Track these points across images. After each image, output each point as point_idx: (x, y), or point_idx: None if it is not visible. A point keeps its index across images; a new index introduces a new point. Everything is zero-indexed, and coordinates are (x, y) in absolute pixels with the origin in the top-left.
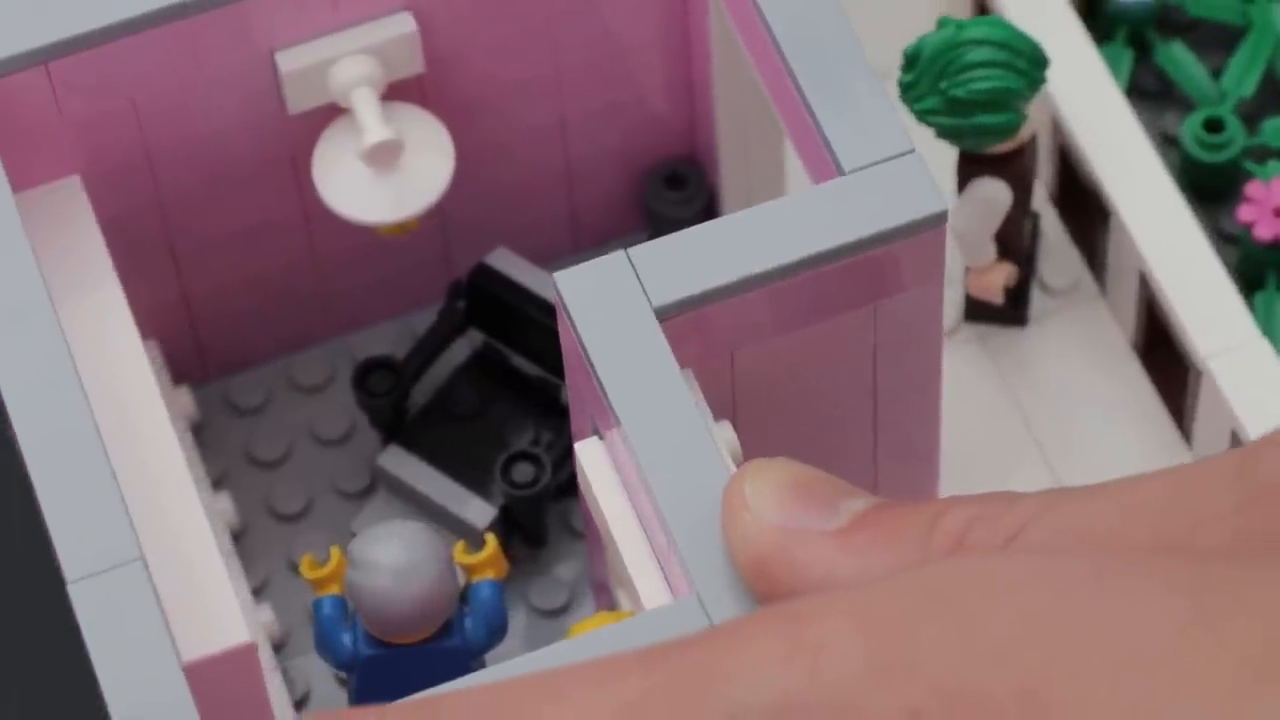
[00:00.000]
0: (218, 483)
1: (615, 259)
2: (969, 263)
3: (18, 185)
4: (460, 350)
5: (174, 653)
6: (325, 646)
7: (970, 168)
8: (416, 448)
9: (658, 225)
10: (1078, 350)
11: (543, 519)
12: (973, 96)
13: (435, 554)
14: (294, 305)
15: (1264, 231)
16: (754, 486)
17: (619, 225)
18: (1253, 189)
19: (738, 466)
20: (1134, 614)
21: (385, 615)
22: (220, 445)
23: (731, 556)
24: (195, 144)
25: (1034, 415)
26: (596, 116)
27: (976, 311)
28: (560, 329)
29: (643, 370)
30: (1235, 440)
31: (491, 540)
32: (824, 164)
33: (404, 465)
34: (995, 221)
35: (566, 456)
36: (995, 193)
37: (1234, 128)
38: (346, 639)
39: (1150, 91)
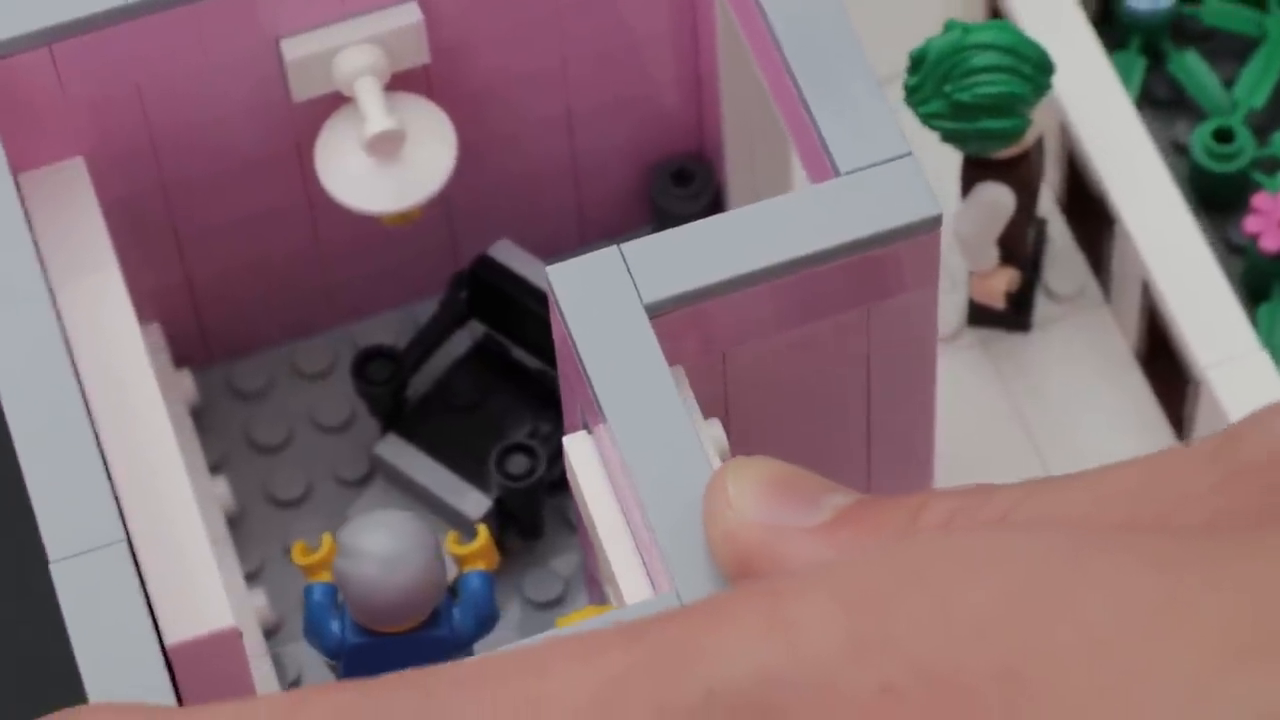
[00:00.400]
0: (217, 467)
1: (608, 254)
2: (971, 267)
3: (21, 165)
4: (461, 341)
5: (154, 635)
6: (314, 633)
7: (974, 172)
8: (415, 437)
9: (664, 221)
10: (1080, 357)
11: (538, 511)
12: (977, 101)
13: (423, 543)
14: (298, 293)
15: (1269, 243)
16: (736, 483)
17: (626, 220)
18: (1260, 200)
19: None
20: (1112, 591)
21: (372, 603)
22: (221, 429)
23: (712, 553)
24: (200, 130)
25: (1034, 421)
26: (604, 110)
27: (980, 316)
28: (552, 322)
29: (631, 366)
30: None
31: (483, 531)
32: (821, 164)
33: (401, 454)
34: (998, 226)
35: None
36: (998, 197)
37: (1244, 138)
38: (335, 626)
39: (1162, 100)
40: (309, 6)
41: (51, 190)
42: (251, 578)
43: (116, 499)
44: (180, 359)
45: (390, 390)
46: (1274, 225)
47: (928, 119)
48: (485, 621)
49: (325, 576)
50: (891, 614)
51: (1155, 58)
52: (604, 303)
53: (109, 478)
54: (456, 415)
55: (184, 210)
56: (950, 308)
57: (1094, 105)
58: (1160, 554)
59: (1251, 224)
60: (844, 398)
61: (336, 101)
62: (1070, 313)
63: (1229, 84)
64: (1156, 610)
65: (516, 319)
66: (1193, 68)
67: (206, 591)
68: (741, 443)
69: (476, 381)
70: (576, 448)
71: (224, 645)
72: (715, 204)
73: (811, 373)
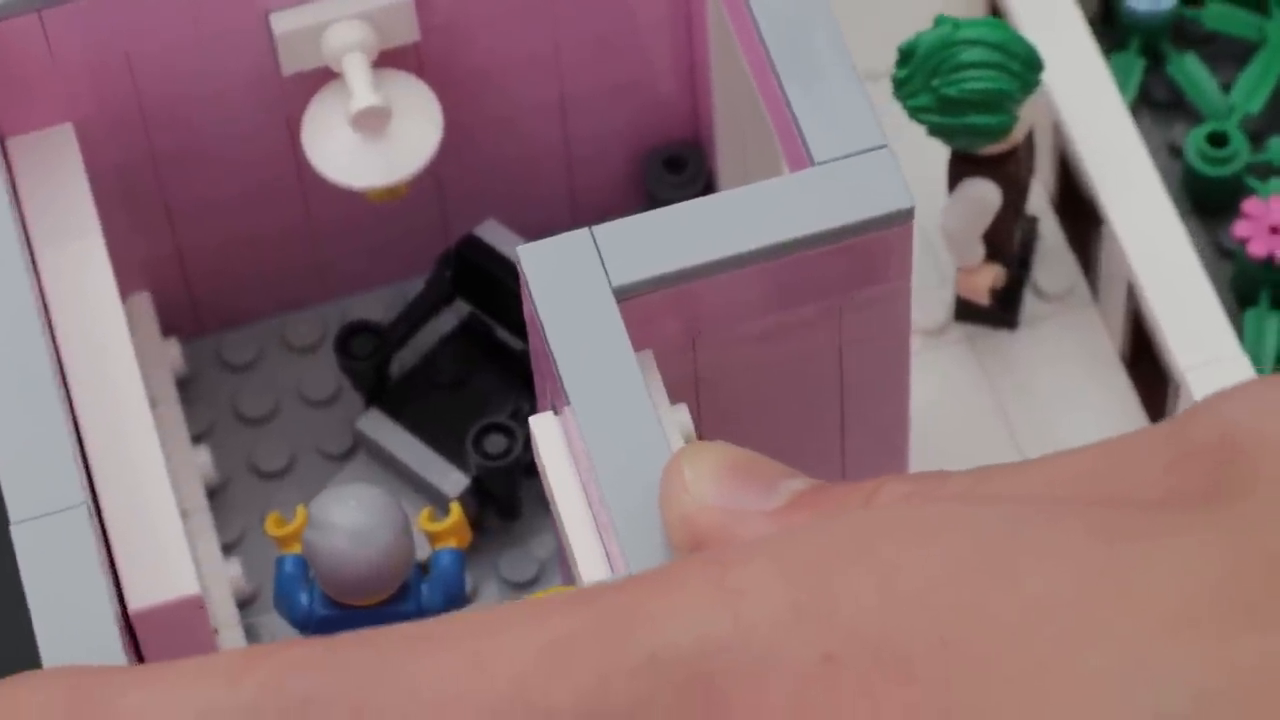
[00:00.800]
0: (200, 436)
1: (579, 236)
2: (958, 262)
3: (9, 130)
4: (447, 320)
5: (112, 601)
6: (283, 604)
7: (962, 167)
8: (397, 414)
9: (656, 207)
10: (1067, 356)
11: (515, 491)
12: (965, 96)
13: (392, 519)
14: (289, 267)
15: (1258, 248)
16: (693, 467)
17: (619, 205)
18: (1250, 205)
19: None
20: (1054, 560)
21: (340, 576)
22: (209, 399)
23: (669, 536)
24: (190, 101)
25: (1017, 418)
26: (597, 95)
27: (966, 312)
28: (523, 302)
29: (596, 348)
30: None
31: (456, 508)
32: (799, 153)
33: (381, 430)
34: (984, 222)
35: None
36: (985, 193)
37: (1238, 142)
38: (303, 598)
39: (1160, 102)
40: None
41: (40, 156)
42: (230, 548)
43: (87, 465)
44: (170, 329)
45: (373, 365)
46: (1264, 231)
47: (915, 113)
48: (454, 598)
49: (298, 548)
50: (835, 584)
51: (1155, 59)
52: (573, 285)
53: (79, 443)
54: (439, 393)
55: (175, 181)
56: (938, 302)
57: (1088, 105)
58: (1105, 525)
59: (1241, 229)
60: (817, 388)
61: (326, 76)
62: (1058, 311)
63: (1228, 88)
64: (1096, 580)
65: (501, 299)
66: (1192, 71)
67: (173, 559)
68: (713, 429)
69: (461, 360)
70: (543, 429)
71: (187, 612)
72: (707, 191)
73: (784, 362)
